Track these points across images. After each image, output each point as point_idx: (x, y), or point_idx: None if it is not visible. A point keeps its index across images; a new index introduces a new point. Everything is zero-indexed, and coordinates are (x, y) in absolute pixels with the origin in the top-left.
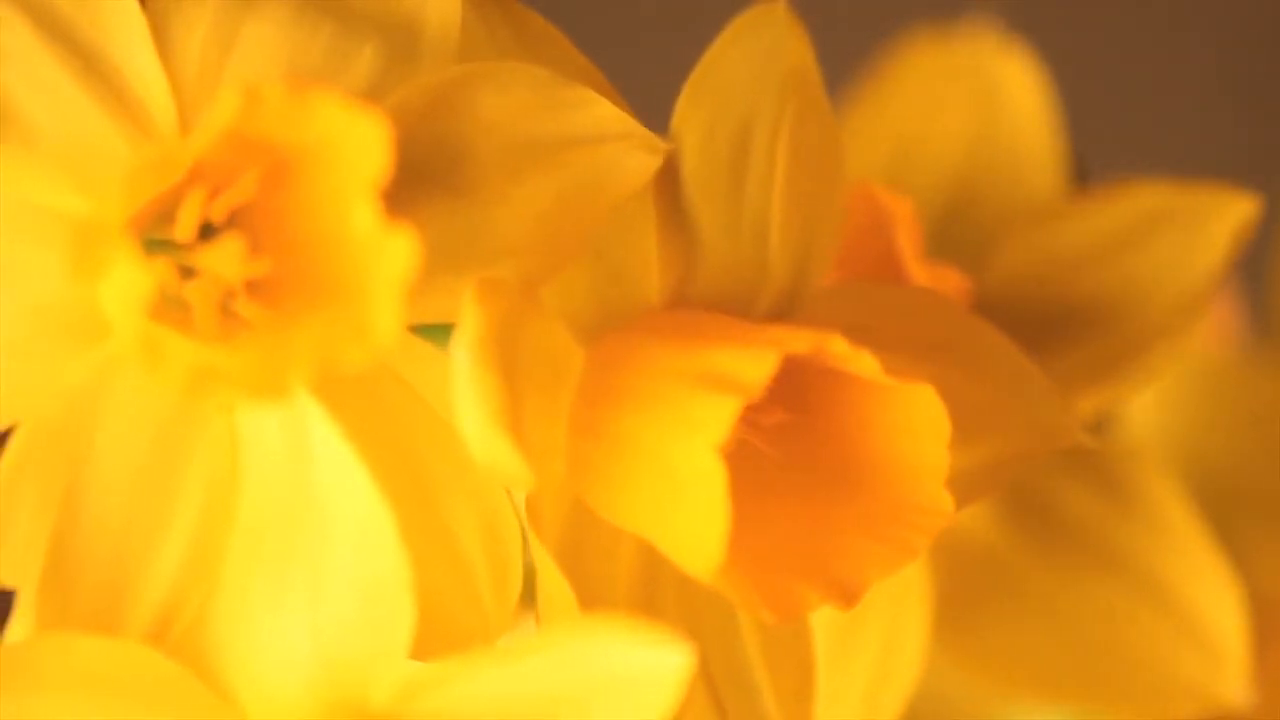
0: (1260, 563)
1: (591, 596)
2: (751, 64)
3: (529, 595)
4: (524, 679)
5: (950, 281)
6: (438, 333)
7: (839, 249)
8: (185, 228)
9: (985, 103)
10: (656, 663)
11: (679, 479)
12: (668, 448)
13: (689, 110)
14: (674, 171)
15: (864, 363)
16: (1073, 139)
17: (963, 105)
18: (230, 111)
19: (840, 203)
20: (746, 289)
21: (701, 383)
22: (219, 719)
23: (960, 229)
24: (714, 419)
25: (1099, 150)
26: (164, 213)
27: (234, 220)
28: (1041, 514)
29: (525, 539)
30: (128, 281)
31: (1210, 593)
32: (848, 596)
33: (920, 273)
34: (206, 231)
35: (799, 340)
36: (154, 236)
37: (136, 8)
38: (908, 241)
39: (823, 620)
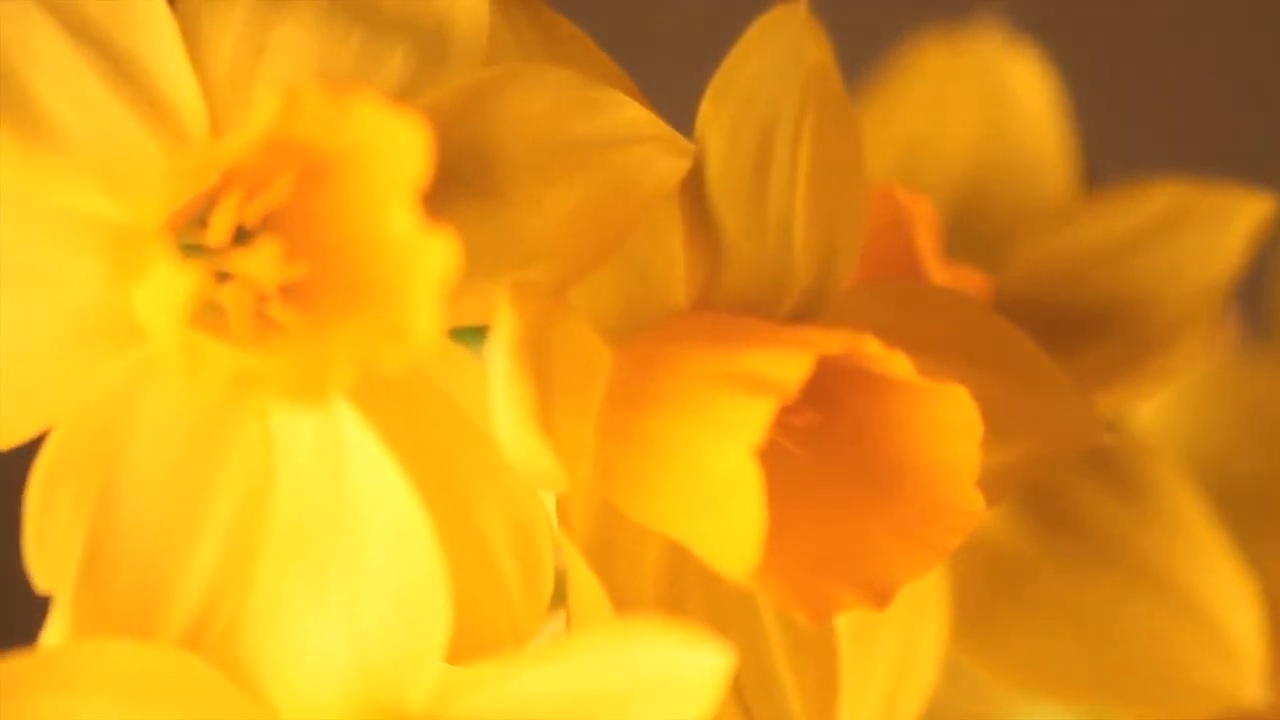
0: (1260, 563)
1: (619, 597)
2: (773, 65)
3: (558, 597)
4: (561, 681)
5: (971, 281)
6: (464, 335)
7: (861, 249)
8: (220, 232)
9: (994, 103)
10: (696, 664)
11: (714, 481)
12: (702, 450)
13: (712, 112)
14: (698, 173)
15: (897, 363)
16: (1082, 138)
17: (971, 106)
18: (270, 115)
19: (863, 202)
20: (771, 290)
21: (736, 384)
22: None
23: (970, 230)
24: (749, 421)
25: (1107, 149)
26: (196, 216)
27: (267, 224)
28: (1058, 513)
29: (554, 542)
30: (167, 287)
31: (1227, 593)
32: (880, 597)
33: (940, 272)
34: (239, 235)
35: (833, 341)
36: (187, 241)
37: (166, 11)
38: (927, 241)
39: (842, 621)
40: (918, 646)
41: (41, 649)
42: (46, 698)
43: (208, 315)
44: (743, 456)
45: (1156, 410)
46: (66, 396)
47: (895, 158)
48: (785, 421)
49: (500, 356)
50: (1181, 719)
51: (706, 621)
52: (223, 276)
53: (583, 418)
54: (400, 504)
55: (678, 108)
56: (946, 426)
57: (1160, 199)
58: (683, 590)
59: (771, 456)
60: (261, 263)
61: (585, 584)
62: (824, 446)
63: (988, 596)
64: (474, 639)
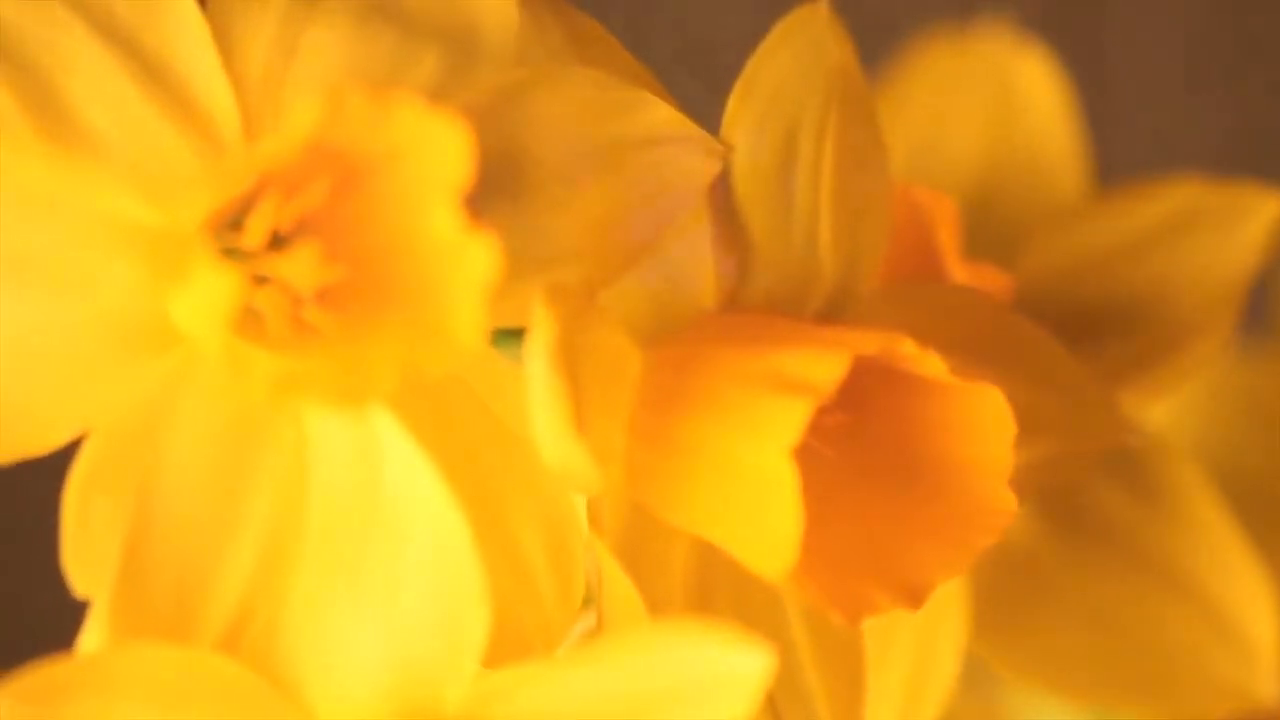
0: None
1: (649, 598)
2: (797, 65)
3: (587, 597)
4: (600, 683)
5: (992, 280)
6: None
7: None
8: (256, 235)
9: (1002, 103)
10: (737, 666)
11: (749, 482)
12: (738, 451)
13: (737, 112)
14: (725, 174)
15: (931, 363)
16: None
17: (980, 106)
18: (312, 117)
19: (887, 202)
20: (798, 289)
21: (771, 385)
22: None
23: (980, 230)
24: (786, 421)
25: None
26: (231, 219)
27: (303, 227)
28: (1075, 513)
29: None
30: (208, 292)
31: (1243, 592)
32: (914, 598)
33: (961, 271)
34: (275, 238)
35: (868, 341)
36: (222, 244)
37: (198, 14)
38: (948, 240)
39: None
40: (937, 646)
41: (79, 654)
42: (84, 703)
43: (244, 319)
44: (779, 457)
45: (1161, 409)
46: (103, 401)
47: (903, 158)
48: (816, 422)
49: (538, 360)
50: (1197, 718)
51: (735, 622)
52: (259, 280)
53: (613, 420)
54: (436, 506)
55: (698, 111)
56: (979, 426)
57: (1175, 198)
58: (711, 591)
59: (803, 457)
60: (299, 266)
61: (617, 585)
62: (855, 447)
63: (1005, 596)
64: (506, 641)
